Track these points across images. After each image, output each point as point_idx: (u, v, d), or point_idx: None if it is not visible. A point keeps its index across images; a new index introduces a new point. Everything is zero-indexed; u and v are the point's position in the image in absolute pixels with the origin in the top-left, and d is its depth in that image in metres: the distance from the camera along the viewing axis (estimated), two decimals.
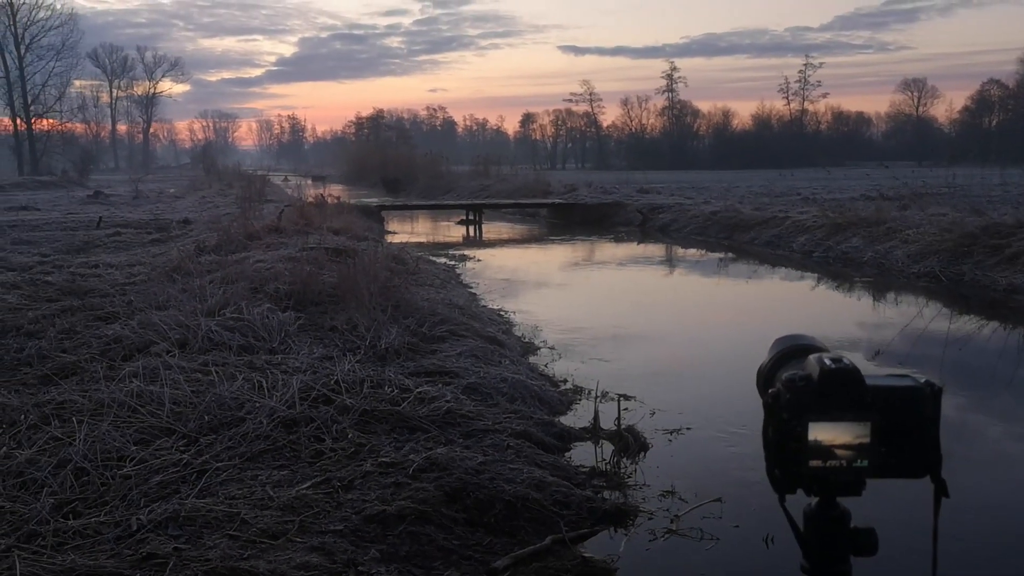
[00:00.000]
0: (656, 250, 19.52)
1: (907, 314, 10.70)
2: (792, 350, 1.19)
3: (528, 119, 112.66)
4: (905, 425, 1.08)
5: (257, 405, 5.09)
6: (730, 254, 17.72)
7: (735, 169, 69.83)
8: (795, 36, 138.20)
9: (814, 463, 1.06)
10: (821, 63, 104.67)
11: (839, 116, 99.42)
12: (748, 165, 75.71)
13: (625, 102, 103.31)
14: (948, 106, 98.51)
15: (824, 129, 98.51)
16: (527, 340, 8.74)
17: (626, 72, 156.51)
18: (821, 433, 1.05)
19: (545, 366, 7.62)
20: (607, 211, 25.99)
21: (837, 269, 14.89)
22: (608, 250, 19.69)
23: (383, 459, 4.50)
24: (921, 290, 12.39)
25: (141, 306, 8.04)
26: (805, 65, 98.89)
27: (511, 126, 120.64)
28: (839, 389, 1.05)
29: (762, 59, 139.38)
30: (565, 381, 7.02)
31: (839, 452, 1.06)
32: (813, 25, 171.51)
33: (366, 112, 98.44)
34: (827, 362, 1.06)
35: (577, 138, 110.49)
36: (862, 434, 1.05)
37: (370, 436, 4.86)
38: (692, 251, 18.79)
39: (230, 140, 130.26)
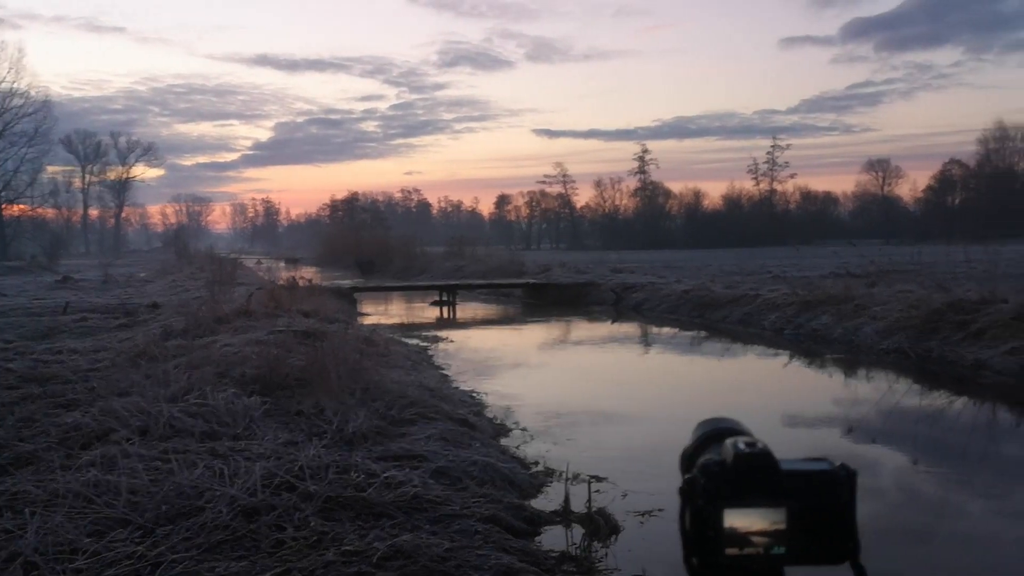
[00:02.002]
0: (629, 329, 19.56)
1: (878, 390, 10.73)
2: (715, 433, 1.15)
3: (503, 200, 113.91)
4: (821, 510, 1.05)
5: (217, 493, 4.95)
6: (702, 332, 17.78)
7: (707, 248, 70.70)
8: (763, 119, 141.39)
9: (731, 551, 1.02)
10: (788, 144, 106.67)
11: (807, 195, 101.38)
12: (719, 244, 76.70)
13: (598, 183, 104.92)
14: (912, 185, 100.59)
15: (793, 208, 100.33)
16: (499, 422, 8.65)
17: (599, 154, 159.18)
18: (737, 520, 1.02)
19: (517, 448, 7.53)
20: (581, 291, 26.09)
21: (808, 346, 14.97)
22: (582, 330, 19.70)
23: (346, 547, 4.37)
24: (890, 366, 12.45)
25: (103, 393, 7.88)
26: (773, 146, 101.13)
27: (486, 207, 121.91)
28: (753, 474, 1.03)
29: (731, 141, 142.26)
30: (536, 463, 6.93)
31: (755, 539, 1.02)
32: (780, 108, 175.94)
33: (341, 195, 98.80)
34: (741, 446, 1.04)
35: (551, 219, 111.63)
36: (778, 520, 1.02)
37: (333, 524, 4.73)
38: (665, 330, 18.84)
39: (203, 223, 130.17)
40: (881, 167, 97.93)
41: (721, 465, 1.04)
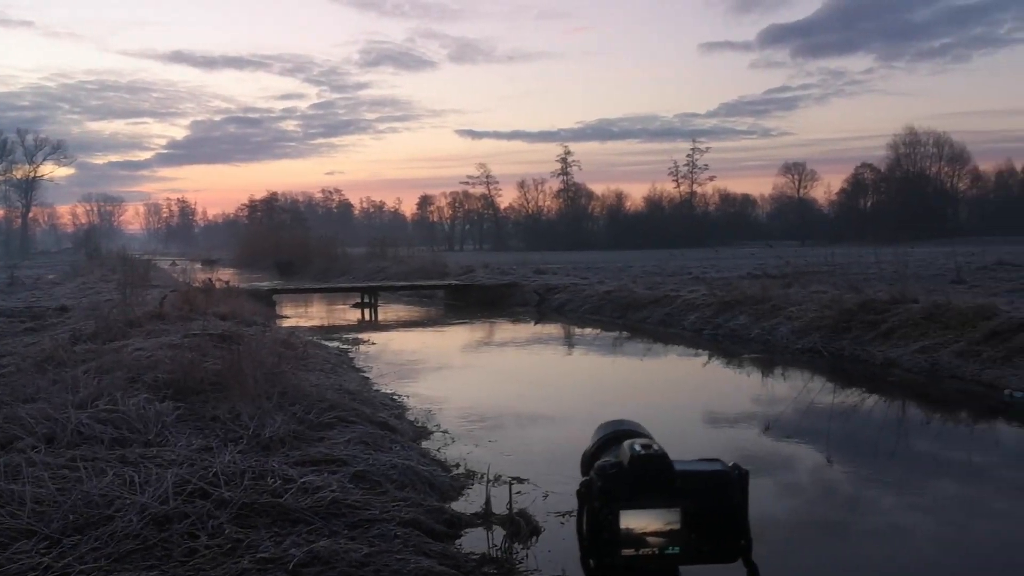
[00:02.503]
0: (552, 330, 19.65)
1: (793, 389, 11.00)
2: (614, 436, 1.17)
3: (426, 201, 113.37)
4: (714, 510, 1.08)
5: (127, 502, 4.78)
6: (624, 333, 17.98)
7: (629, 249, 71.56)
8: (683, 122, 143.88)
9: (627, 552, 1.04)
10: (708, 147, 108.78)
11: (726, 198, 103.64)
12: (641, 245, 77.77)
13: (522, 184, 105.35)
14: (826, 188, 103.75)
15: (712, 210, 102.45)
16: (420, 424, 8.58)
17: (523, 155, 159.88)
18: (632, 521, 1.04)
19: (438, 450, 7.48)
20: (504, 292, 26.11)
21: (726, 346, 15.26)
22: (505, 331, 19.71)
23: (261, 555, 4.26)
24: (805, 365, 12.78)
25: (7, 399, 7.55)
26: (693, 149, 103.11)
27: (409, 208, 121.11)
28: (649, 476, 1.05)
29: (653, 143, 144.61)
30: (458, 465, 6.89)
31: (650, 540, 1.05)
32: (700, 112, 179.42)
33: (260, 195, 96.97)
34: (638, 449, 1.07)
35: (475, 220, 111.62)
36: (672, 520, 1.05)
37: (249, 531, 4.61)
38: (588, 330, 18.98)
39: (116, 224, 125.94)
40: (797, 170, 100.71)
41: (618, 467, 1.06)
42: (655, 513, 1.05)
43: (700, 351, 14.98)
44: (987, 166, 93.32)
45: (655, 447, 1.08)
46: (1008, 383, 10.13)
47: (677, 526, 1.05)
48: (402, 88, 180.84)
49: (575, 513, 1.09)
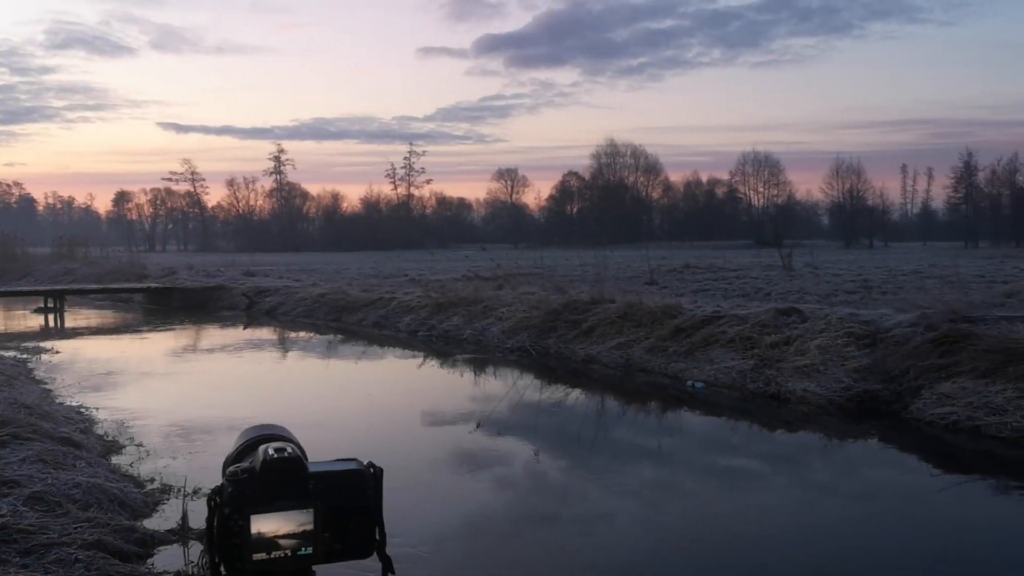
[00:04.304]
0: (263, 334, 18.89)
1: (503, 387, 11.34)
2: (256, 440, 1.17)
3: (123, 198, 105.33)
4: (348, 509, 1.10)
5: None
6: (339, 336, 17.69)
7: (345, 251, 71.02)
8: (401, 124, 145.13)
9: (258, 556, 1.05)
10: (425, 151, 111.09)
11: (443, 201, 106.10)
12: (358, 247, 77.54)
13: (231, 182, 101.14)
14: (537, 194, 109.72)
15: (429, 213, 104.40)
16: (111, 439, 7.86)
17: (233, 152, 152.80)
18: (264, 525, 1.05)
19: (131, 465, 6.89)
20: (210, 295, 24.85)
21: (440, 347, 15.48)
22: (211, 336, 18.66)
23: None
24: (514, 363, 13.26)
25: None
26: (410, 152, 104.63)
27: (103, 205, 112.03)
28: (281, 479, 1.05)
29: (371, 144, 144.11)
30: (153, 480, 6.40)
31: (283, 542, 1.06)
32: (418, 115, 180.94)
33: None
34: (271, 453, 1.07)
35: (179, 219, 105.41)
36: (306, 522, 1.06)
37: None
38: (301, 334, 18.46)
39: None
40: (510, 176, 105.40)
41: (249, 472, 1.06)
42: (288, 516, 1.06)
43: (415, 352, 15.06)
44: (677, 177, 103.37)
45: (289, 450, 1.08)
46: (690, 375, 11.13)
47: (310, 527, 1.06)
48: (96, 75, 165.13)
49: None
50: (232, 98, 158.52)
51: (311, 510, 1.07)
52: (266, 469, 1.06)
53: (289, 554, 1.06)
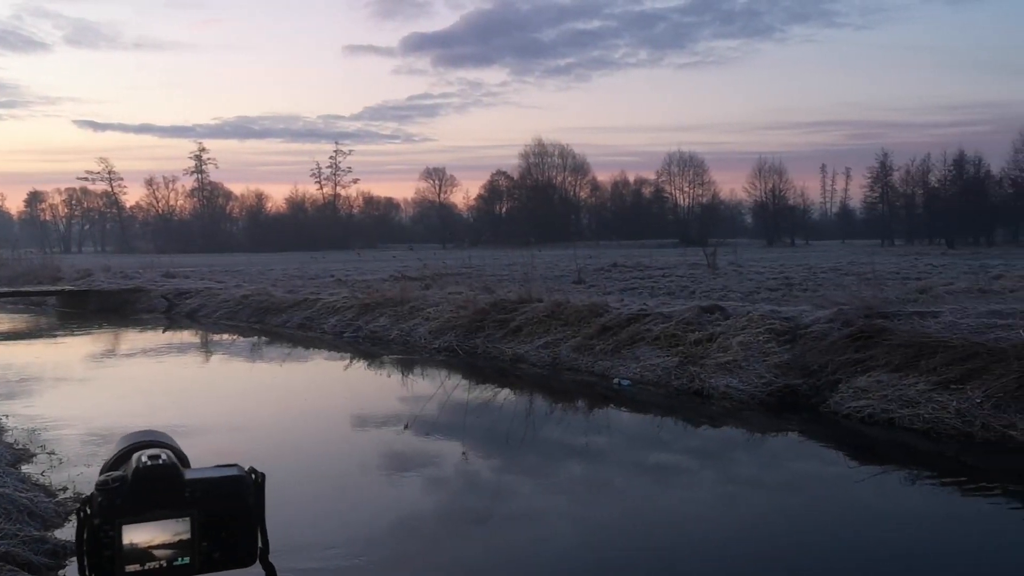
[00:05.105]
0: (183, 337, 18.42)
1: (431, 387, 11.26)
2: (134, 447, 1.11)
3: (36, 198, 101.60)
4: (228, 516, 1.07)
5: None
6: (263, 338, 17.35)
7: (270, 252, 69.86)
8: (327, 123, 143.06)
9: (131, 568, 1.01)
10: (351, 150, 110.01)
11: (370, 201, 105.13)
12: (283, 248, 76.33)
13: (151, 182, 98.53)
14: (465, 194, 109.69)
15: (356, 213, 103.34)
16: (21, 447, 7.58)
17: (153, 151, 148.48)
18: (137, 535, 1.01)
19: (42, 474, 6.65)
20: (128, 298, 24.17)
21: (367, 348, 15.31)
22: (130, 340, 18.12)
23: None
24: (442, 364, 13.18)
25: None
26: (336, 151, 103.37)
27: (14, 205, 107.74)
28: (155, 488, 1.02)
29: (296, 143, 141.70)
30: (65, 489, 6.21)
31: (158, 553, 1.02)
32: (344, 114, 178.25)
33: None
34: (144, 460, 1.03)
35: (96, 219, 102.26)
36: (182, 531, 1.03)
37: None
38: (223, 336, 18.05)
39: None
40: (438, 176, 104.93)
41: (121, 481, 1.02)
42: (163, 525, 1.02)
43: (341, 354, 14.87)
44: (604, 177, 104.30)
45: (164, 457, 1.04)
46: (617, 373, 11.23)
47: (187, 536, 1.03)
48: (8, 71, 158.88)
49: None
50: (152, 95, 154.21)
51: (188, 519, 1.03)
52: (138, 477, 1.02)
53: (164, 565, 1.03)
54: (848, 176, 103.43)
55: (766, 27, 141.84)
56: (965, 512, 6.11)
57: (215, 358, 15.47)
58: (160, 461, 1.04)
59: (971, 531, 5.67)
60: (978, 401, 7.93)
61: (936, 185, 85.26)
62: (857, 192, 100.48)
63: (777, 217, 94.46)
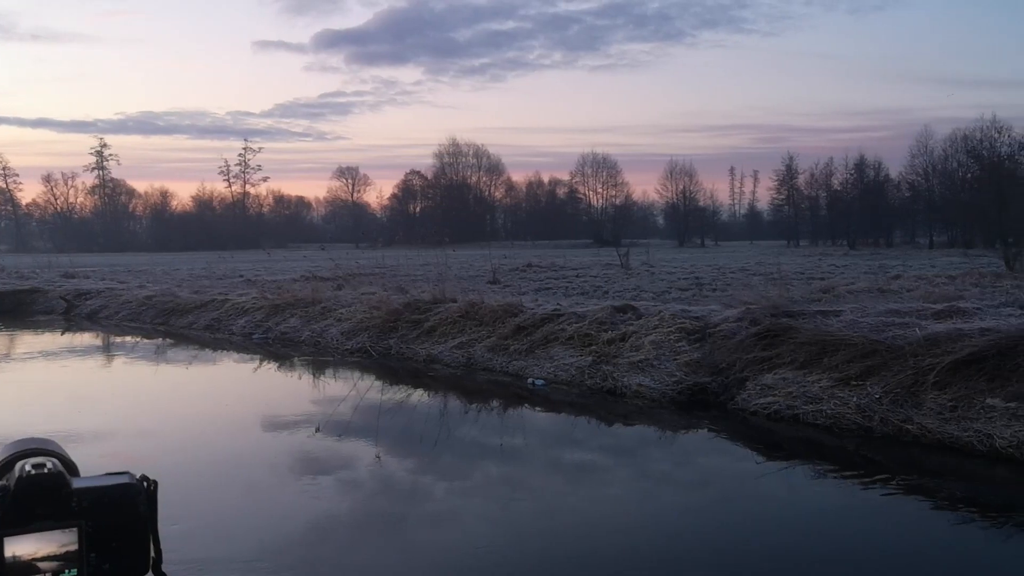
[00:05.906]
0: (82, 339, 17.74)
1: (343, 389, 11.10)
2: (16, 456, 1.07)
3: None
4: (118, 526, 1.04)
5: None
6: (167, 340, 16.84)
7: (176, 251, 68.03)
8: (236, 120, 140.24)
9: None
10: (261, 148, 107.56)
11: (280, 200, 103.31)
12: (190, 247, 74.43)
13: (48, 178, 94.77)
14: (379, 193, 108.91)
15: (266, 212, 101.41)
16: None
17: (50, 146, 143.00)
18: (20, 547, 0.98)
19: None
20: (24, 298, 23.23)
21: (277, 349, 15.00)
22: (26, 343, 17.35)
23: None
24: (355, 365, 13.00)
25: None
26: (245, 149, 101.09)
27: None
28: (38, 497, 0.99)
29: (203, 140, 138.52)
30: None
31: (43, 565, 0.99)
32: (254, 111, 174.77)
33: None
34: (28, 469, 1.00)
35: None
36: (69, 542, 1.00)
37: None
38: (125, 338, 17.45)
39: None
40: (351, 175, 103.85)
41: (3, 491, 0.99)
42: (48, 536, 0.99)
43: (250, 356, 14.54)
44: (519, 178, 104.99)
45: (49, 466, 1.01)
46: (531, 372, 11.26)
47: (74, 547, 1.00)
48: None
49: None
50: (49, 89, 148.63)
51: (75, 529, 1.00)
52: (21, 487, 0.99)
53: None
54: (756, 178, 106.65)
55: (677, 32, 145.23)
56: (864, 503, 6.31)
57: (117, 361, 14.93)
58: (45, 470, 1.01)
59: (869, 520, 5.86)
60: (877, 397, 8.21)
61: (838, 188, 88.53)
62: (764, 194, 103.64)
63: (688, 218, 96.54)
